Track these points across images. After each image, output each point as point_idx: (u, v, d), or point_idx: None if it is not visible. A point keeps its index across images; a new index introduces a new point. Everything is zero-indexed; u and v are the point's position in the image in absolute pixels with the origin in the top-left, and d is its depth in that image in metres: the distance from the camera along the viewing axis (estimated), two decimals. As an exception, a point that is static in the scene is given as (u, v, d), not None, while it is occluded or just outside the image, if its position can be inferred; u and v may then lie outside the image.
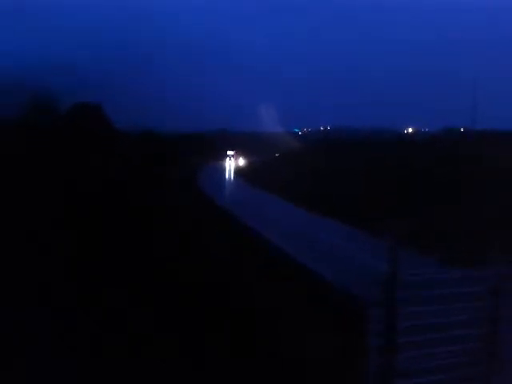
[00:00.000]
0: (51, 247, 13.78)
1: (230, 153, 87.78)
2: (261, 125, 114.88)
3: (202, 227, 20.74)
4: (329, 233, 20.76)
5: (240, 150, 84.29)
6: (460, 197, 23.31)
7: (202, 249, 16.28)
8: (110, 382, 7.44)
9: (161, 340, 8.68)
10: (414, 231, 16.36)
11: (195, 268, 13.38)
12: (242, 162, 76.35)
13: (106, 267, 12.51)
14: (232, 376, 7.67)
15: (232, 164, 77.61)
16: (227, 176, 58.68)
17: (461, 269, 10.46)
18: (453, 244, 15.03)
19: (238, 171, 62.39)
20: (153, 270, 12.83)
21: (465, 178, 28.64)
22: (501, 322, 6.37)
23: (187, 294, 11.11)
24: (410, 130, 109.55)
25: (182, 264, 13.64)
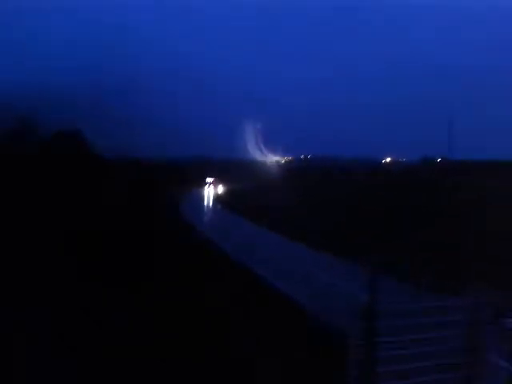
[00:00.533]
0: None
1: (208, 180, 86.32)
2: (242, 152, 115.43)
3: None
4: (307, 260, 20.70)
5: (220, 178, 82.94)
6: (438, 225, 23.58)
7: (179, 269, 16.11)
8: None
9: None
10: (392, 260, 16.42)
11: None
12: (220, 189, 75.12)
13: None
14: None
15: (211, 191, 75.89)
16: (205, 204, 57.66)
17: (439, 297, 10.48)
18: (432, 272, 15.09)
19: (217, 198, 61.26)
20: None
21: (441, 206, 29.11)
22: (480, 351, 6.34)
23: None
24: (388, 159, 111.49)
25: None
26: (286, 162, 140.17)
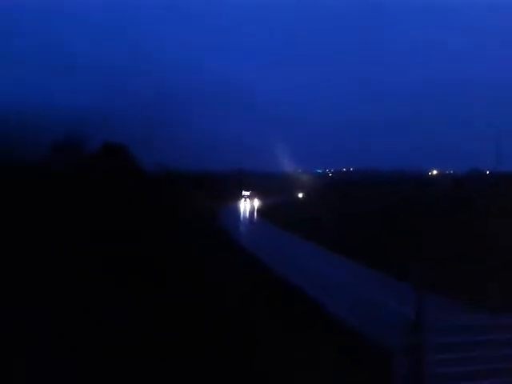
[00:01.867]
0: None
1: (245, 193, 79.16)
2: (282, 165, 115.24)
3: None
4: (349, 274, 20.46)
5: (260, 191, 78.58)
6: (484, 239, 22.84)
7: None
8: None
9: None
10: (436, 275, 16.01)
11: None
12: (257, 203, 69.08)
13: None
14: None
15: (247, 206, 69.65)
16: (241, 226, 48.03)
17: (488, 314, 10.13)
18: (478, 288, 14.65)
19: (254, 214, 57.39)
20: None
21: (487, 220, 28.16)
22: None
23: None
24: (435, 172, 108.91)
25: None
26: (328, 174, 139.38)
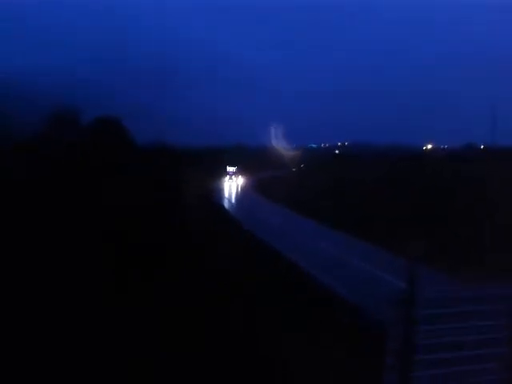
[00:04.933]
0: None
1: (230, 169, 66.42)
2: (277, 140, 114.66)
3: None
4: (346, 249, 20.54)
5: (254, 165, 73.91)
6: (478, 214, 22.92)
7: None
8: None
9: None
10: (431, 249, 16.10)
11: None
12: (242, 181, 62.16)
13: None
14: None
15: (232, 185, 59.76)
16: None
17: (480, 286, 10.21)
18: (472, 261, 14.76)
19: (242, 190, 54.44)
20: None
21: (481, 195, 28.26)
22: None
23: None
24: (430, 146, 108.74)
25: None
26: (322, 148, 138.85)
